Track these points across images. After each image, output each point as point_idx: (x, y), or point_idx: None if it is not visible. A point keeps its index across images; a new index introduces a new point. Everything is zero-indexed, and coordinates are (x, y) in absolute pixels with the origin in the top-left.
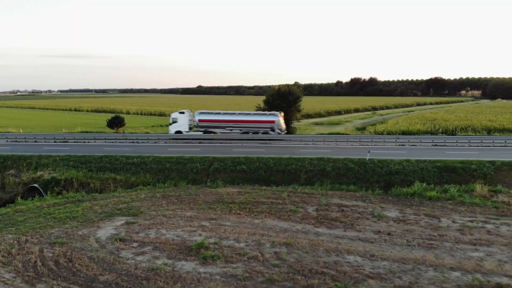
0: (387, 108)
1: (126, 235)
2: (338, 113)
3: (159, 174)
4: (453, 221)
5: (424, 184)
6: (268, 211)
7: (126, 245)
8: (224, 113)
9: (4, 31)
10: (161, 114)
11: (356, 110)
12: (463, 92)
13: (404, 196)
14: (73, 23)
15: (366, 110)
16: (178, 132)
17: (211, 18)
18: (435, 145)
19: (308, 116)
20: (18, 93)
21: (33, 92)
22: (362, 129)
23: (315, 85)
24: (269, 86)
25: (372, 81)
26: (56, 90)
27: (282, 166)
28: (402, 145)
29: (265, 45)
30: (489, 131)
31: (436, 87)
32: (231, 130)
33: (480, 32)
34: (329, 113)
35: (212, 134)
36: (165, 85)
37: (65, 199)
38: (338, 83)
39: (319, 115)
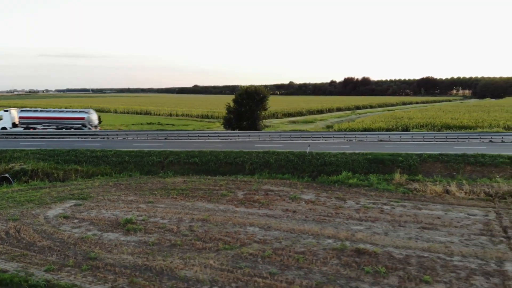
0: (371, 107)
1: (71, 214)
2: (320, 112)
3: (118, 166)
4: (356, 203)
5: (350, 173)
6: (202, 196)
7: (67, 221)
8: (41, 111)
9: (3, 31)
10: (146, 113)
11: (339, 109)
12: (454, 91)
13: (328, 183)
14: (72, 23)
15: (348, 109)
16: (4, 128)
17: (209, 18)
18: (380, 140)
19: (289, 114)
20: (15, 93)
21: (30, 91)
22: (330, 126)
23: (309, 84)
24: (265, 86)
25: (365, 81)
26: (53, 89)
27: (231, 158)
28: (350, 140)
29: (262, 45)
30: (448, 127)
31: (428, 87)
32: (48, 126)
33: (471, 32)
34: (311, 112)
35: (31, 130)
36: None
37: (29, 186)
38: (332, 83)
39: (300, 113)
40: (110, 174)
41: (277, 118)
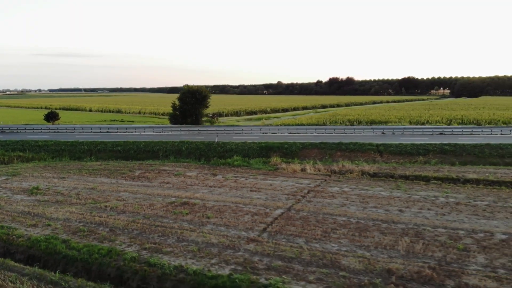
0: (338, 106)
1: None
2: (285, 110)
3: (54, 153)
4: (223, 177)
5: (239, 157)
6: (105, 174)
7: None
8: None
9: None
10: (118, 111)
11: (304, 108)
12: (434, 91)
13: (218, 164)
14: (66, 22)
15: (314, 107)
16: None
17: (201, 19)
18: (290, 133)
19: (253, 113)
20: (7, 92)
21: (22, 91)
22: (269, 123)
23: (296, 84)
24: (254, 85)
25: (349, 81)
26: (46, 89)
27: (149, 147)
28: (265, 133)
29: (252, 45)
30: (373, 123)
31: (409, 86)
32: None
33: (452, 33)
34: (275, 111)
35: None
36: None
37: None
38: (318, 83)
39: (264, 111)
40: (45, 159)
41: (239, 115)
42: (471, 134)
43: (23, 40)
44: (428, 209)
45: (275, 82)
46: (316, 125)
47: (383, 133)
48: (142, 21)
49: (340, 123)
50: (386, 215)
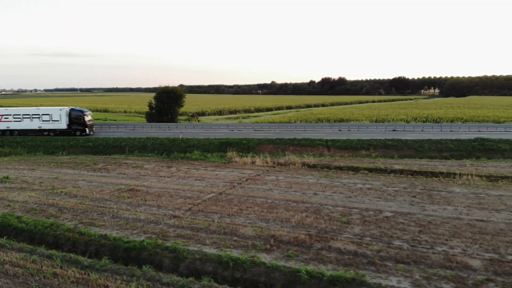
0: (323, 105)
1: None
2: (269, 109)
3: (31, 148)
4: (176, 168)
5: (198, 151)
6: (71, 166)
7: None
8: None
9: None
10: (105, 110)
11: (289, 107)
12: (423, 91)
13: (178, 158)
14: (63, 23)
15: (299, 107)
16: None
17: (197, 19)
18: (255, 130)
19: (236, 111)
20: (3, 92)
21: (18, 91)
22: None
23: (290, 84)
24: (249, 85)
25: (341, 81)
26: (42, 89)
27: (117, 143)
28: (232, 130)
29: (247, 46)
30: (341, 121)
31: (400, 86)
32: None
33: (442, 33)
34: (259, 110)
35: None
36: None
37: None
38: (311, 83)
39: (248, 111)
40: (22, 154)
41: (222, 114)
42: (422, 131)
43: (22, 40)
44: (340, 192)
45: (269, 82)
46: (286, 123)
47: (339, 130)
48: (140, 21)
49: (310, 121)
50: (300, 197)
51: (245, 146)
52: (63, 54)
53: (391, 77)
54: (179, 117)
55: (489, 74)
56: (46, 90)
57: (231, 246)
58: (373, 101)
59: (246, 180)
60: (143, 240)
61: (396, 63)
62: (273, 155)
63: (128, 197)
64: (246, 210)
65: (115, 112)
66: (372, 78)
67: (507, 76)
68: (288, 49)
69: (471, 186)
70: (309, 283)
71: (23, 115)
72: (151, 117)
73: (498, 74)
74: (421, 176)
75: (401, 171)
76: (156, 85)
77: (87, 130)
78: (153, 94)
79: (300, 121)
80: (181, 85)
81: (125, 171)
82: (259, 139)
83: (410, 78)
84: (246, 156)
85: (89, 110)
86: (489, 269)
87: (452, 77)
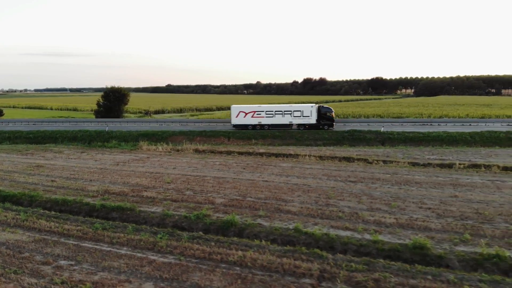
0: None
1: None
2: (220, 109)
3: None
4: (87, 154)
5: (116, 141)
6: (7, 151)
7: None
8: None
9: None
10: (74, 109)
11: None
12: (399, 91)
13: (97, 146)
14: (53, 22)
15: None
16: None
17: (185, 19)
18: (181, 125)
19: (197, 110)
20: None
21: (8, 91)
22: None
23: (273, 84)
24: (235, 85)
25: (322, 81)
26: (32, 89)
27: (54, 134)
28: (160, 125)
29: (234, 46)
30: None
31: (377, 86)
32: None
33: (418, 34)
34: (220, 109)
35: None
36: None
37: None
38: (294, 83)
39: (210, 109)
40: None
41: (182, 112)
42: None
43: (13, 40)
44: (195, 167)
45: (255, 82)
46: (217, 119)
47: None
48: (131, 21)
49: None
50: (159, 170)
51: (160, 137)
52: (54, 54)
53: (369, 77)
54: (125, 114)
55: (462, 74)
56: (36, 90)
57: (80, 195)
58: (339, 101)
59: (133, 161)
60: (18, 192)
61: (374, 63)
62: (178, 144)
63: (31, 170)
64: (106, 177)
65: (83, 110)
66: (352, 79)
67: (478, 76)
68: (274, 49)
69: (293, 162)
70: (106, 210)
71: (276, 111)
72: (99, 114)
73: (469, 75)
74: (273, 157)
75: (262, 154)
76: (146, 85)
77: (334, 124)
78: (144, 94)
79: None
80: (170, 84)
81: (44, 155)
82: (173, 131)
83: (388, 78)
84: (155, 145)
85: (61, 109)
86: (227, 205)
87: (427, 77)
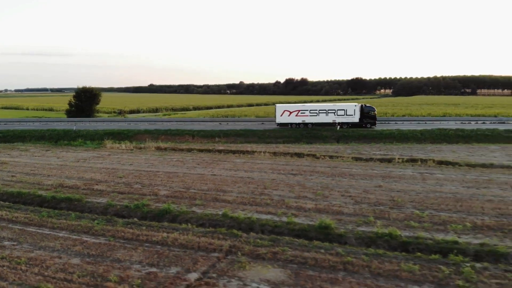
0: (257, 105)
1: None
2: (209, 108)
3: None
4: (52, 152)
5: (81, 140)
6: None
7: None
8: None
9: None
10: (50, 109)
11: (229, 106)
12: (378, 91)
13: (62, 144)
14: (34, 21)
15: (240, 105)
16: None
17: (169, 18)
18: (149, 123)
19: (174, 110)
20: None
21: None
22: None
23: (256, 84)
24: (218, 85)
25: (303, 82)
26: (13, 89)
27: (22, 133)
28: (129, 124)
29: (218, 45)
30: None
31: (356, 87)
32: None
33: (396, 35)
34: (198, 108)
35: None
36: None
37: None
38: (276, 83)
39: (187, 109)
40: None
41: (156, 112)
42: None
43: None
44: (151, 163)
45: (238, 82)
46: (187, 118)
47: (220, 123)
48: (113, 20)
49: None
50: (115, 166)
51: (125, 136)
52: (35, 54)
53: (349, 78)
54: (99, 114)
55: (438, 74)
56: (16, 90)
57: (35, 188)
58: (311, 101)
59: (94, 158)
60: None
61: (354, 64)
62: (141, 142)
63: None
64: (63, 173)
65: (58, 110)
66: (332, 79)
67: (454, 76)
68: (257, 50)
69: (248, 158)
70: (56, 201)
71: (320, 110)
72: (70, 113)
73: (446, 75)
74: (230, 153)
75: (221, 151)
76: (128, 85)
77: (376, 123)
78: (125, 94)
79: (203, 116)
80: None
81: (10, 153)
82: (138, 130)
83: (367, 79)
84: (119, 143)
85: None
86: (169, 196)
87: (405, 78)
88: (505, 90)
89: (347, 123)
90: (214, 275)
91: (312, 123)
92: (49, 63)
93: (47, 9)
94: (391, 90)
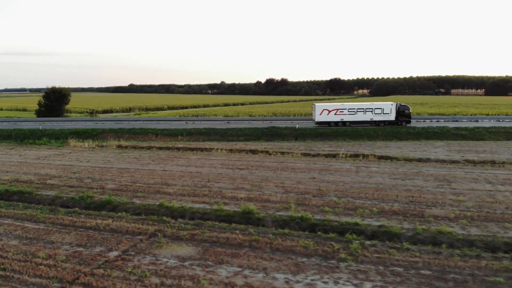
0: (234, 105)
1: None
2: (185, 107)
3: None
4: (15, 150)
5: (46, 139)
6: None
7: None
8: None
9: None
10: (24, 109)
11: (205, 106)
12: (355, 91)
13: (28, 143)
14: (13, 20)
15: (206, 106)
16: None
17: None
18: (116, 122)
19: (148, 109)
20: None
21: None
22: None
23: (237, 84)
24: (199, 85)
25: (283, 82)
26: None
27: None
28: (96, 123)
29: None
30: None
31: (335, 87)
32: None
33: (373, 35)
34: (173, 108)
35: None
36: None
37: None
38: (257, 83)
39: (161, 108)
40: None
41: (129, 111)
42: (249, 122)
43: None
44: (107, 160)
45: (219, 82)
46: (151, 117)
47: (186, 122)
48: (92, 19)
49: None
50: (73, 163)
51: (90, 134)
52: (14, 53)
53: (328, 78)
54: (71, 114)
55: (414, 75)
56: None
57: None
58: (282, 101)
59: (54, 156)
60: None
61: (333, 65)
62: (104, 141)
63: None
64: (21, 169)
65: (32, 110)
66: (312, 79)
67: (429, 76)
68: (239, 50)
69: (204, 155)
70: (8, 194)
71: (358, 109)
72: (40, 113)
73: (421, 75)
74: (188, 151)
75: (180, 148)
76: (109, 85)
77: (410, 121)
78: (108, 94)
79: (175, 115)
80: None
81: None
82: (103, 129)
83: (346, 79)
84: (83, 142)
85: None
86: (115, 190)
87: (382, 78)
88: (478, 90)
89: (384, 121)
90: (132, 253)
91: (350, 121)
92: (28, 63)
93: (26, 8)
94: (368, 90)
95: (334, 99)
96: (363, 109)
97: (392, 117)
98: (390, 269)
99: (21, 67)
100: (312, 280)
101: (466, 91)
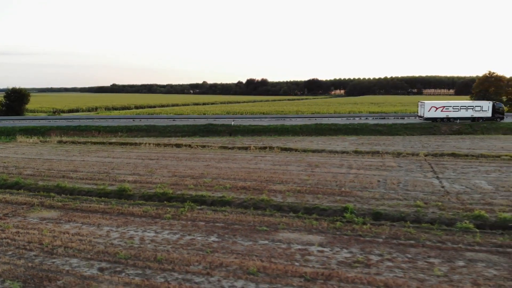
0: (204, 103)
1: None
2: (152, 107)
3: None
4: None
5: (20, 136)
6: None
7: None
8: None
9: None
10: None
11: (175, 105)
12: (332, 91)
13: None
14: None
15: (185, 104)
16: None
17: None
18: (68, 121)
19: (114, 109)
20: None
21: None
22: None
23: (219, 84)
24: (181, 85)
25: (263, 82)
26: None
27: None
28: (49, 121)
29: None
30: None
31: (313, 87)
32: None
33: (348, 36)
34: (140, 107)
35: None
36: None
37: None
38: (238, 83)
39: (128, 108)
40: None
41: (95, 111)
42: (194, 120)
43: None
44: (41, 153)
45: (201, 82)
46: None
47: (133, 120)
48: (75, 18)
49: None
50: (6, 155)
51: (38, 131)
52: None
53: (306, 79)
54: (35, 113)
55: (388, 75)
56: None
57: None
58: (254, 101)
59: None
60: None
61: (311, 65)
62: (49, 137)
63: None
64: None
65: None
66: (291, 80)
67: (401, 77)
68: (220, 50)
69: (130, 149)
70: None
71: (461, 106)
72: (1, 113)
73: (394, 76)
74: (118, 145)
75: (112, 143)
76: (93, 85)
77: (504, 117)
78: (90, 94)
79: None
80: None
81: None
82: (51, 126)
83: (323, 79)
84: (30, 138)
85: None
86: (30, 175)
87: (358, 79)
88: (450, 90)
89: (482, 117)
90: (10, 216)
91: (454, 118)
92: (9, 62)
93: (6, 6)
94: (344, 91)
95: (311, 98)
96: (465, 106)
97: (489, 114)
98: (194, 223)
99: (5, 67)
100: (127, 230)
101: (437, 91)
